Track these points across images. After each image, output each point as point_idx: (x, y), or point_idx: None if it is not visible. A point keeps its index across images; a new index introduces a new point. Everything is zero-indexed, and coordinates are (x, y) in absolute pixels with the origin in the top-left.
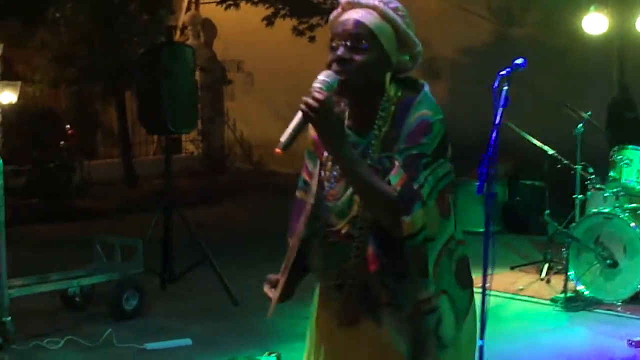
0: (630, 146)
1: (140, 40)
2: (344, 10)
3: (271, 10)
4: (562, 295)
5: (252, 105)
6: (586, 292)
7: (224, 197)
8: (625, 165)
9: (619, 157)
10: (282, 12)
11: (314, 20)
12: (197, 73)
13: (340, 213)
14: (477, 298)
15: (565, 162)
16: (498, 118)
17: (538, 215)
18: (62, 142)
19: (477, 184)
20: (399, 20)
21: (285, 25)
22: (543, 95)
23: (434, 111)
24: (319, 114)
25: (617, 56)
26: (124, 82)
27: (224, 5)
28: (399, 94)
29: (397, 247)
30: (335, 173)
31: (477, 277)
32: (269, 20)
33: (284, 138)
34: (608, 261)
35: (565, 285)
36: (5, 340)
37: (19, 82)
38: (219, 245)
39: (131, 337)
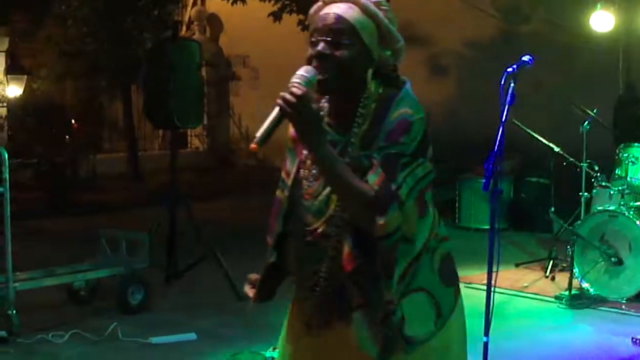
0: (636, 144)
1: (146, 35)
2: (325, 4)
3: (278, 6)
4: (567, 293)
5: (258, 100)
6: (591, 290)
7: (229, 193)
8: (631, 163)
9: (624, 155)
10: (289, 7)
11: None
12: (203, 68)
13: (317, 212)
14: (482, 295)
15: (571, 159)
16: (504, 115)
17: (543, 213)
18: (67, 137)
19: (484, 180)
20: (380, 14)
21: (291, 20)
22: (549, 92)
23: (415, 109)
24: (296, 110)
25: (624, 54)
26: (129, 76)
27: (230, 1)
28: (380, 90)
29: (374, 248)
30: (314, 171)
31: (482, 274)
32: (276, 16)
33: (259, 133)
34: (613, 259)
35: (570, 283)
36: (11, 333)
37: (25, 76)
38: (224, 240)
39: (136, 331)
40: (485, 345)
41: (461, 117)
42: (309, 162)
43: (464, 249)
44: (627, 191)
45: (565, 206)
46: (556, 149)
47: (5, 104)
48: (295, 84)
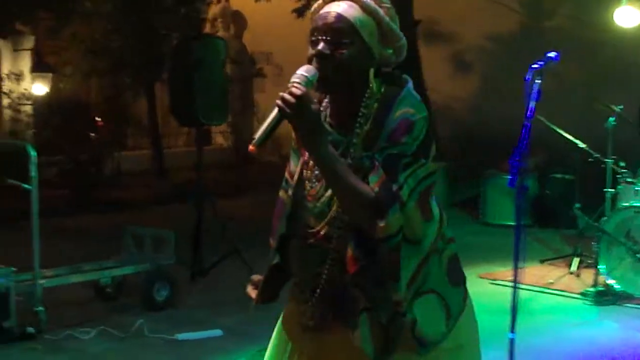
0: None
1: (172, 33)
2: (325, 3)
3: (301, 2)
4: (593, 289)
5: None
6: (616, 286)
7: (252, 189)
8: None
9: None
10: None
11: None
12: (227, 65)
13: (319, 214)
14: (507, 291)
15: (596, 155)
16: (530, 111)
17: (568, 209)
18: (92, 134)
19: (509, 177)
20: (381, 12)
21: None
22: (574, 88)
23: (417, 109)
24: (295, 110)
25: None
26: (153, 73)
27: None
28: (382, 89)
29: (377, 250)
30: (317, 172)
31: (507, 271)
32: (299, 12)
33: (257, 134)
34: (639, 255)
35: (595, 279)
36: (38, 330)
37: (50, 74)
38: (248, 237)
39: (162, 327)
40: (512, 341)
41: (485, 113)
42: (311, 162)
43: (488, 245)
44: None
45: (590, 202)
46: (581, 145)
47: (31, 102)
48: (295, 84)
